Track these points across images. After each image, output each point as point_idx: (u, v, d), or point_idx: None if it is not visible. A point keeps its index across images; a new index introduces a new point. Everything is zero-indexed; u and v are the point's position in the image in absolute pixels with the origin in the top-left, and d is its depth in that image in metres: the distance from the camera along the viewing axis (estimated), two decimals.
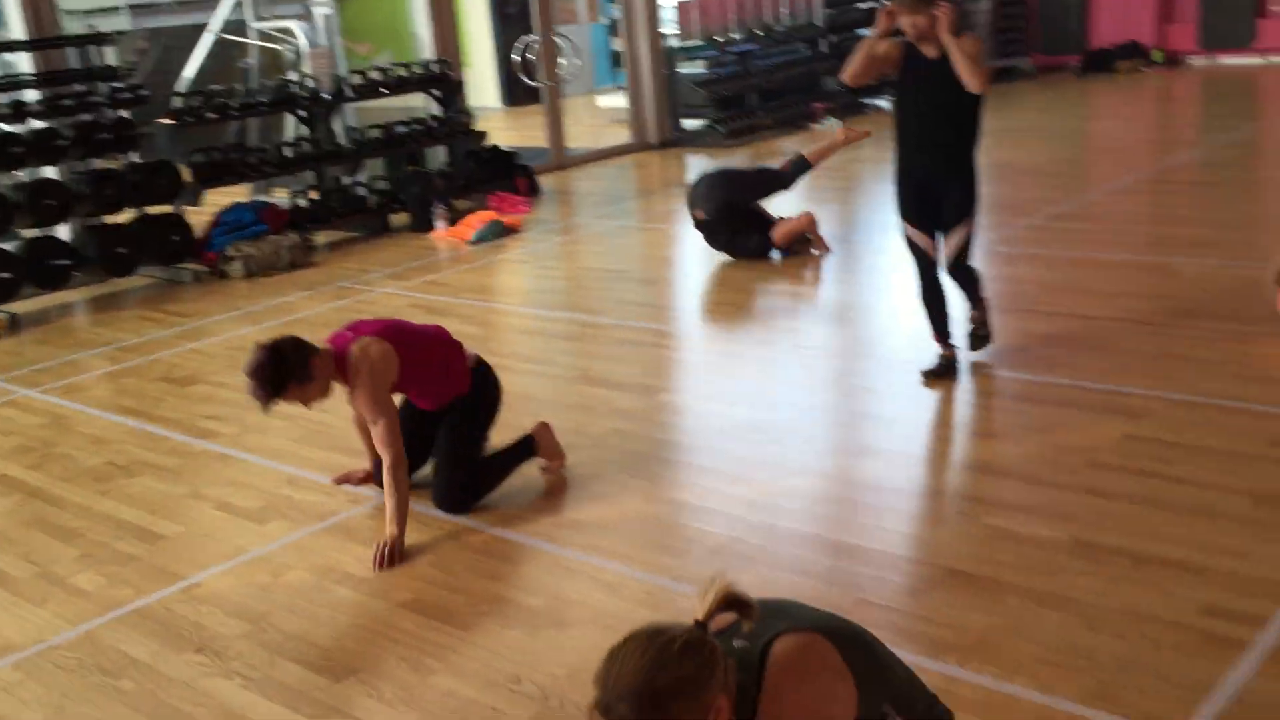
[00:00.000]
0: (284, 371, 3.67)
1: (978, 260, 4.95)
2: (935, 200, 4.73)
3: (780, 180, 7.38)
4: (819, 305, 6.40)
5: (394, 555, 3.74)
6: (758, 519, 3.81)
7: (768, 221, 7.16)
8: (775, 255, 7.10)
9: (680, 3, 12.13)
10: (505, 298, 7.16)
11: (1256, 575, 3.18)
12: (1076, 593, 3.17)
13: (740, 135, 11.78)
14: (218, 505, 4.30)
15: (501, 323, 6.46)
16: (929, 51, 4.53)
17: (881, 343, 5.54)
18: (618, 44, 17.38)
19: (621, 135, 12.44)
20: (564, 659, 3.11)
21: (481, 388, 4.13)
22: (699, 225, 7.19)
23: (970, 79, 4.43)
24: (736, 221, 7.12)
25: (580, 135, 12.45)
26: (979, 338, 4.94)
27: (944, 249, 4.77)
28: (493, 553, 3.76)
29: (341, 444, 4.73)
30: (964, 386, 4.79)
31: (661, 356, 5.68)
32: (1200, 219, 7.21)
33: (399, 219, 9.20)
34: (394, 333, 3.93)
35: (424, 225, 8.89)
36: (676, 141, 12.06)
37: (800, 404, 4.82)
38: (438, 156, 9.99)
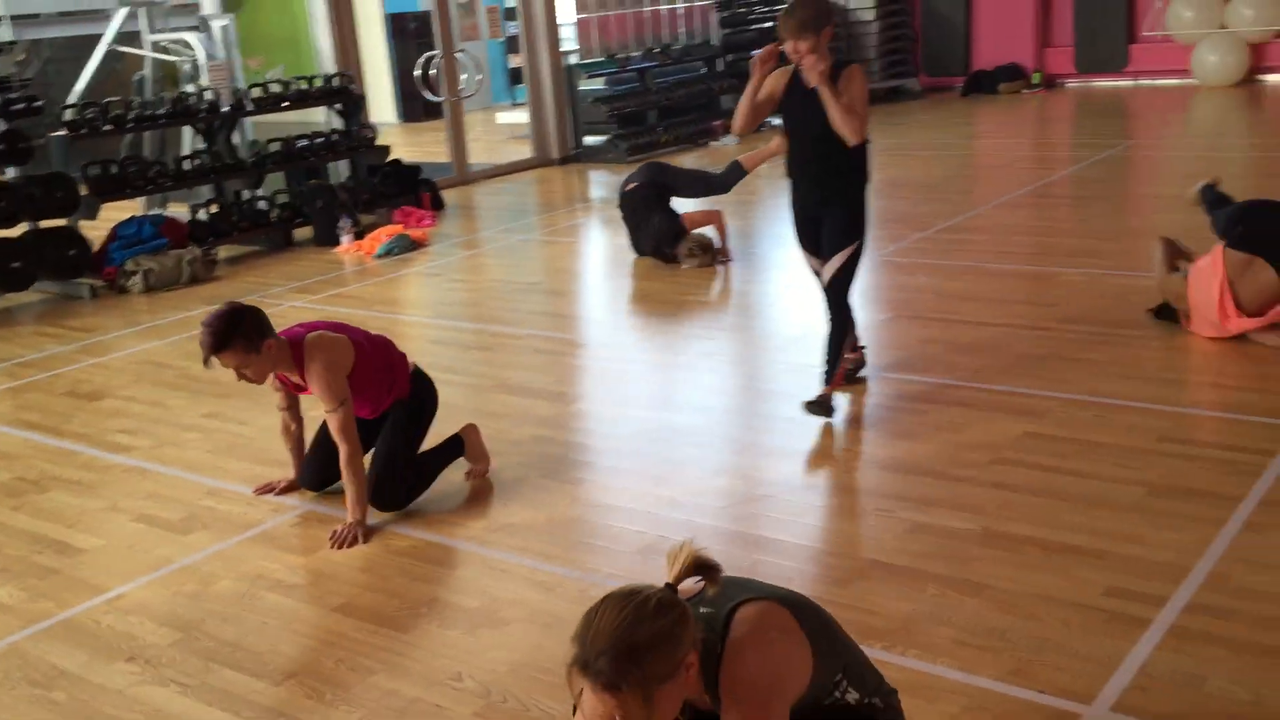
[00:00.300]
0: (234, 330, 3.76)
1: (857, 297, 4.78)
2: (819, 227, 4.66)
3: (714, 182, 7.63)
4: (724, 313, 6.56)
5: (356, 538, 3.85)
6: (682, 517, 3.92)
7: (679, 219, 7.41)
8: (683, 263, 7.26)
9: (579, 19, 12.26)
10: (416, 310, 7.17)
11: (1153, 559, 3.39)
12: (990, 579, 3.35)
13: (642, 151, 11.95)
14: (137, 518, 4.26)
15: (414, 334, 6.48)
16: (812, 78, 4.37)
17: (787, 348, 5.70)
18: (514, 60, 17.54)
19: (522, 151, 12.52)
20: (504, 655, 3.17)
21: (420, 392, 4.19)
22: (624, 196, 7.49)
23: (845, 131, 4.34)
24: (654, 201, 7.40)
25: (479, 151, 12.49)
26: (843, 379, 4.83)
27: (823, 276, 4.69)
28: (423, 556, 3.81)
29: (260, 456, 4.72)
30: (871, 390, 4.97)
31: (575, 365, 5.77)
32: (1080, 231, 7.57)
33: (302, 233, 9.14)
34: (346, 330, 4.04)
35: (328, 239, 8.85)
36: (578, 157, 12.18)
37: (714, 408, 4.95)
38: (339, 171, 9.95)
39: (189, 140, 10.13)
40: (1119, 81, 14.68)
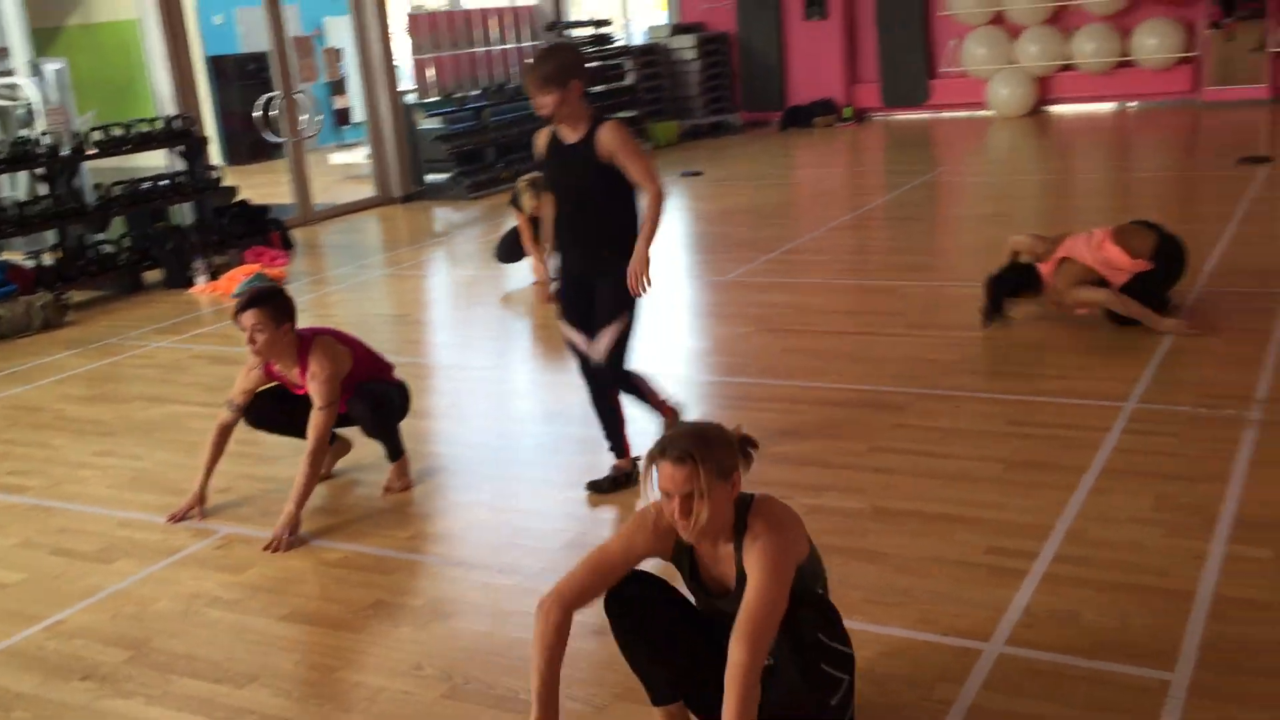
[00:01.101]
0: (274, 297, 4.28)
1: (633, 361, 4.44)
2: (590, 296, 4.29)
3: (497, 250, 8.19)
4: None
5: (289, 527, 4.14)
6: (600, 515, 4.22)
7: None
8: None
9: (415, 60, 12.46)
10: None
11: (1020, 521, 3.87)
12: (884, 548, 3.77)
13: (484, 188, 12.21)
14: (55, 551, 4.29)
15: None
16: (567, 135, 4.14)
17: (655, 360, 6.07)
18: (339, 101, 17.53)
19: (359, 190, 12.61)
20: (459, 644, 3.40)
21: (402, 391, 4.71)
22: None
23: (647, 189, 4.12)
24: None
25: (314, 191, 12.51)
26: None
27: (592, 351, 4.33)
28: (357, 566, 3.99)
29: (166, 487, 4.79)
30: (749, 397, 5.38)
31: (466, 387, 5.99)
32: (910, 249, 8.23)
33: (151, 276, 9.05)
34: (348, 341, 4.49)
35: (180, 281, 8.80)
36: (420, 195, 12.35)
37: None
38: (182, 213, 9.87)
39: (24, 185, 9.86)
40: (922, 114, 15.75)
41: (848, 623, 2.66)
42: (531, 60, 4.12)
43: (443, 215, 11.52)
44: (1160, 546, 3.62)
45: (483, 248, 9.35)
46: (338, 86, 16.76)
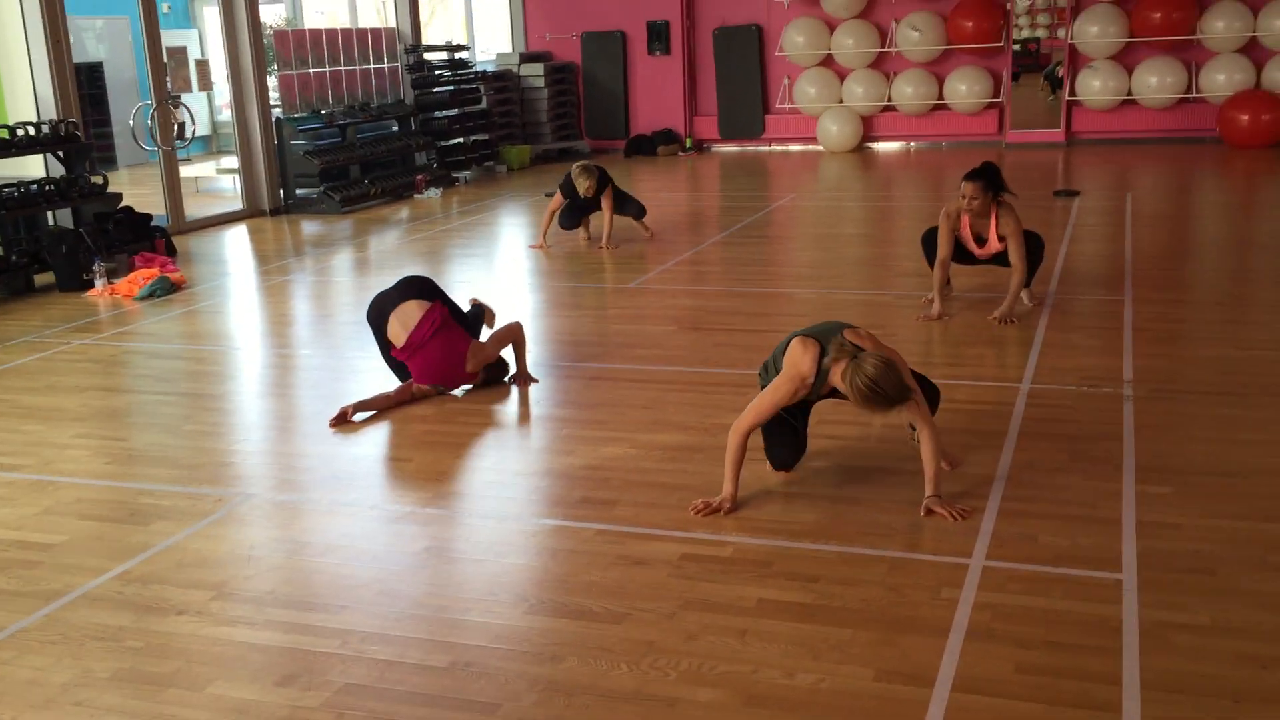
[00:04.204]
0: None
1: None
2: None
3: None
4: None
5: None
6: (555, 489, 4.74)
7: None
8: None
9: (282, 75, 12.61)
10: (224, 340, 7.38)
11: (968, 473, 4.61)
12: (866, 496, 4.44)
13: (354, 203, 12.45)
14: (83, 517, 4.49)
15: (238, 360, 6.79)
16: None
17: (597, 356, 6.60)
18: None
19: (218, 203, 12.65)
20: (527, 576, 3.87)
21: None
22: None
23: None
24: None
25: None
26: None
27: None
28: (416, 520, 4.38)
29: (172, 462, 5.03)
30: (701, 383, 5.99)
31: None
32: (789, 262, 9.05)
33: (41, 278, 8.98)
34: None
35: (74, 284, 8.78)
36: (289, 208, 12.49)
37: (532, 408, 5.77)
38: (58, 219, 9.76)
39: None
40: (758, 147, 16.81)
41: (849, 548, 3.26)
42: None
43: (312, 228, 11.71)
44: (1084, 487, 4.41)
45: (358, 260, 9.64)
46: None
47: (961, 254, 7.02)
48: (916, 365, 6.09)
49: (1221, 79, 14.60)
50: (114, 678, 3.33)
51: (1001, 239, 6.77)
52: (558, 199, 9.81)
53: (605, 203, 9.67)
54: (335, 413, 5.46)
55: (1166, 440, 4.85)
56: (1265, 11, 14.37)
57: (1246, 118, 14.16)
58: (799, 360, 4.22)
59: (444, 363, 5.67)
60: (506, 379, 5.99)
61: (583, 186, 9.49)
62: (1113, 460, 4.66)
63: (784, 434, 4.57)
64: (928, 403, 4.32)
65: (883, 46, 15.92)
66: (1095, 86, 15.09)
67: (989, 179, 6.67)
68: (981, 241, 6.88)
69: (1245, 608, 3.48)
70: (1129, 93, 15.05)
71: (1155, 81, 14.83)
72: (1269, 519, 4.08)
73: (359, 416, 5.48)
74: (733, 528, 4.18)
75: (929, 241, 7.08)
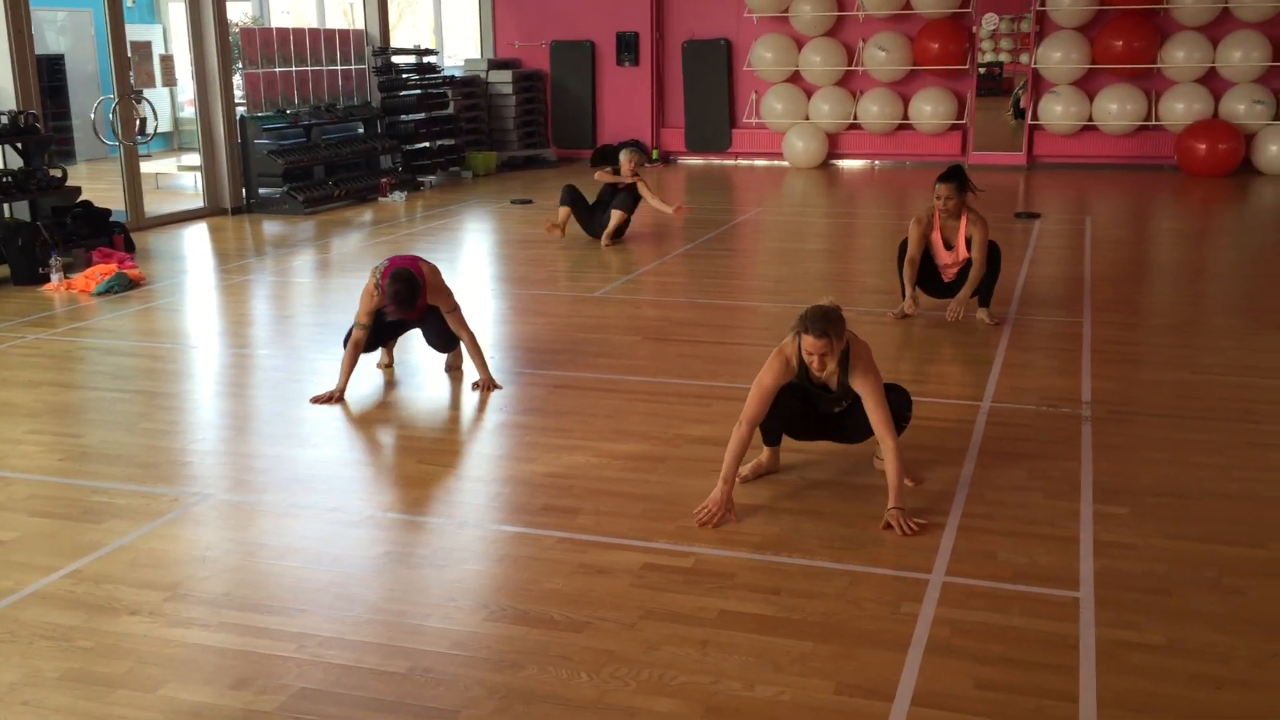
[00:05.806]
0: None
1: None
2: None
3: None
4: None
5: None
6: (521, 497, 4.72)
7: None
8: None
9: (248, 74, 12.50)
10: (182, 338, 7.29)
11: (928, 490, 4.64)
12: (826, 509, 4.45)
13: (317, 204, 12.36)
14: (34, 514, 4.42)
15: (198, 358, 6.71)
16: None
17: (565, 365, 6.59)
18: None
19: (178, 200, 12.51)
20: (488, 584, 3.84)
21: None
22: None
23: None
24: None
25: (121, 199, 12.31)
26: None
27: None
28: (377, 526, 4.34)
29: (127, 460, 4.95)
30: (662, 393, 5.99)
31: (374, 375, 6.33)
32: (753, 275, 9.08)
33: None
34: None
35: (30, 278, 8.65)
36: (251, 208, 12.37)
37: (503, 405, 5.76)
38: (12, 211, 9.61)
39: None
40: (724, 160, 16.87)
41: (809, 561, 3.27)
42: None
43: (274, 227, 11.60)
44: (1043, 505, 4.45)
45: (320, 261, 9.57)
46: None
47: (928, 276, 7.17)
48: (886, 378, 6.16)
49: (1180, 108, 14.82)
50: (63, 678, 3.27)
51: (968, 241, 6.99)
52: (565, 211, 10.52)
53: (643, 190, 10.44)
54: (324, 396, 5.80)
55: (1123, 461, 4.91)
56: (1224, 43, 14.61)
57: (1204, 146, 14.39)
58: (783, 344, 4.45)
59: (413, 264, 6.00)
60: (473, 387, 5.98)
61: (626, 168, 10.54)
62: (1071, 480, 4.70)
63: (788, 409, 4.59)
64: (899, 409, 4.57)
65: (850, 65, 16.04)
66: (1057, 111, 15.28)
67: (961, 180, 7.03)
68: (950, 246, 7.06)
69: (1199, 628, 3.52)
70: (1090, 118, 15.26)
71: (1116, 108, 15.04)
72: (1223, 541, 4.14)
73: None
74: (695, 539, 4.17)
75: (904, 251, 7.22)
